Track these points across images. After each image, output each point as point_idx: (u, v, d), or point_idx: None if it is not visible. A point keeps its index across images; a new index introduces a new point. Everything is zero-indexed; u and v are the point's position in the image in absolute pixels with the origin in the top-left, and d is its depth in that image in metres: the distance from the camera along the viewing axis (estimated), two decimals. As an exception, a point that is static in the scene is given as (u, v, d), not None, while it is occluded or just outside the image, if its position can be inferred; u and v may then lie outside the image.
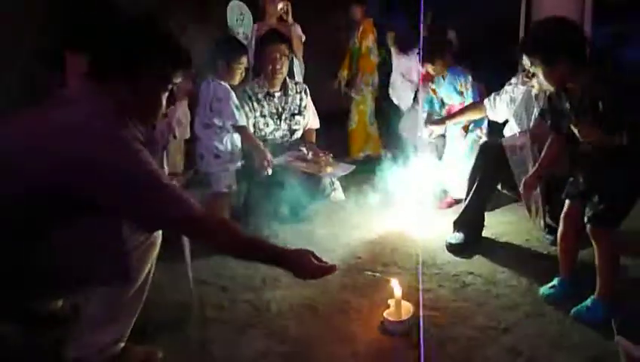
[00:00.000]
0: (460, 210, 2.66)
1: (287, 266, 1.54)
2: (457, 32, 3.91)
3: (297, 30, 3.64)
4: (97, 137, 1.37)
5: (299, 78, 3.62)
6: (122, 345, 1.63)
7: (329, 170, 2.86)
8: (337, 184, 3.01)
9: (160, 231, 1.72)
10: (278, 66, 2.88)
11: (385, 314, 1.87)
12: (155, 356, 1.70)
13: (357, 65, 4.18)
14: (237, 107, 2.68)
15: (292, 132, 3.07)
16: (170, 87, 1.54)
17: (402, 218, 3.01)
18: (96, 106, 1.42)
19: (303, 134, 3.12)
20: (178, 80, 1.56)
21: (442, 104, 3.26)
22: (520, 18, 4.21)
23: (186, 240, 1.98)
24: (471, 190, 2.61)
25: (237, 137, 2.73)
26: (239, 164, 2.75)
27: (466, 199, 2.64)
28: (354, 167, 3.06)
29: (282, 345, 1.80)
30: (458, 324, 1.89)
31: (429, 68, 3.17)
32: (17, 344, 1.73)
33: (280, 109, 3.00)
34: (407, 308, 1.89)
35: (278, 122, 3.00)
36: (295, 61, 3.62)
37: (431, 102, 3.30)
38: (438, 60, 3.12)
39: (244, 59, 2.73)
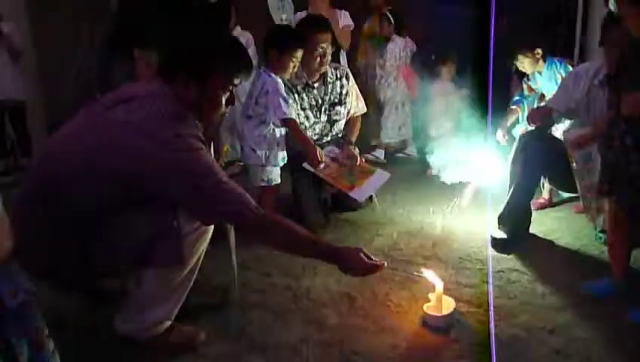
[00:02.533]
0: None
1: (340, 263, 1.61)
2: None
3: (346, 18, 3.56)
4: (156, 137, 1.45)
5: None
6: (169, 323, 1.69)
7: (363, 183, 2.68)
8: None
9: None
10: (322, 57, 2.69)
11: (425, 308, 1.84)
12: (197, 336, 1.75)
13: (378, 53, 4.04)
14: (285, 100, 2.51)
15: (332, 123, 2.90)
16: (230, 88, 1.60)
17: (446, 210, 2.96)
18: (160, 105, 1.51)
19: (347, 122, 2.96)
20: (238, 82, 1.62)
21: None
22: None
23: (230, 226, 2.01)
24: (512, 182, 2.52)
25: (280, 131, 2.58)
26: (281, 158, 2.63)
27: (508, 192, 2.55)
28: (388, 175, 2.86)
29: (321, 333, 1.80)
30: (502, 322, 1.84)
31: (525, 64, 3.01)
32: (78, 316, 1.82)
33: (320, 100, 2.83)
34: (448, 302, 1.85)
35: (318, 114, 2.84)
36: (341, 52, 3.57)
37: (521, 98, 3.17)
38: (530, 55, 2.96)
39: (299, 52, 2.53)
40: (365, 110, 3.03)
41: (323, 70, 2.76)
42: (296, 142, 2.58)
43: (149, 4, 2.17)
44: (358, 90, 2.95)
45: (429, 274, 1.87)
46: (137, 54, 2.16)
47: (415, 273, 2.03)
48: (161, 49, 1.69)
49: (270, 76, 2.51)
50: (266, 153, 2.57)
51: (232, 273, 1.98)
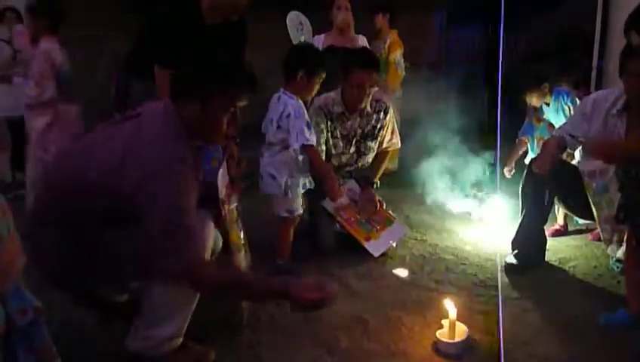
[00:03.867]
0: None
1: (293, 301, 1.50)
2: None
3: (363, 43, 3.61)
4: (139, 157, 1.49)
5: None
6: (179, 341, 1.69)
7: (379, 235, 2.59)
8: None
9: (218, 235, 1.79)
10: (364, 93, 2.55)
11: (438, 334, 1.82)
12: (208, 355, 1.74)
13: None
14: (308, 125, 2.33)
15: (360, 155, 2.77)
16: (232, 109, 1.63)
17: (459, 234, 2.94)
18: (158, 127, 1.55)
19: (375, 156, 2.82)
20: (242, 102, 1.65)
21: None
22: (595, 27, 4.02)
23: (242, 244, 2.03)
24: (524, 207, 2.50)
25: (302, 159, 2.36)
26: (302, 187, 2.41)
27: (520, 217, 2.53)
28: (405, 229, 2.80)
29: (332, 356, 1.79)
30: (517, 351, 1.80)
31: (533, 98, 3.04)
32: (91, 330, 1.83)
33: (352, 132, 2.70)
34: (461, 329, 1.82)
35: (348, 146, 2.71)
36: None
37: (529, 129, 3.16)
38: (537, 90, 3.01)
39: (324, 73, 2.38)
40: (399, 146, 2.89)
41: (362, 106, 2.64)
42: (315, 171, 2.40)
43: (167, 25, 2.22)
44: (395, 124, 2.82)
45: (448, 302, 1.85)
46: (157, 72, 2.20)
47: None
48: (171, 68, 1.73)
49: (292, 99, 2.32)
50: (287, 181, 2.35)
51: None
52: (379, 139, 2.76)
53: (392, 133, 2.80)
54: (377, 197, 2.73)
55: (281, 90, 2.36)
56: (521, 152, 3.19)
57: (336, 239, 2.70)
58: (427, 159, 3.43)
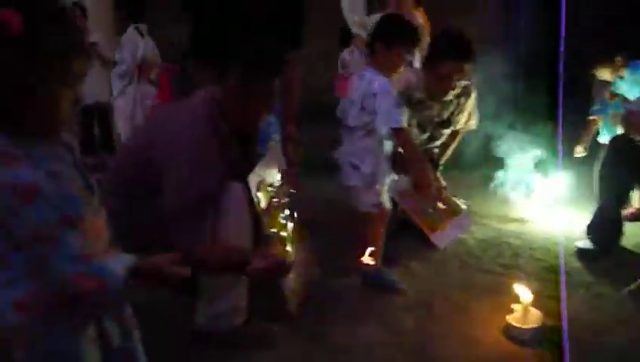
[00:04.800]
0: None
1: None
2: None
3: (419, 18, 3.47)
4: (171, 137, 1.57)
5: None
6: (242, 316, 1.71)
7: (445, 226, 2.25)
8: None
9: None
10: (451, 85, 2.34)
11: (509, 319, 1.75)
12: (271, 331, 1.76)
13: None
14: (397, 104, 2.06)
15: (430, 141, 2.57)
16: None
17: (526, 217, 2.82)
18: (191, 108, 1.63)
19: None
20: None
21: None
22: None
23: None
24: (602, 191, 2.36)
25: (388, 144, 2.11)
26: (389, 178, 2.13)
27: (597, 201, 2.39)
28: (470, 221, 2.47)
29: (398, 337, 1.76)
30: (595, 339, 1.71)
31: (605, 74, 2.83)
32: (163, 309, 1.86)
33: (429, 120, 2.49)
34: (535, 315, 1.74)
35: (421, 133, 2.49)
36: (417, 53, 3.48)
37: (603, 108, 2.95)
38: (610, 65, 2.79)
39: (409, 44, 2.09)
40: (475, 127, 2.66)
41: (445, 97, 2.42)
42: (406, 156, 2.12)
43: (222, 14, 2.22)
44: (474, 106, 2.57)
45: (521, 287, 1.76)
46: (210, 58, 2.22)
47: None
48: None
49: (378, 75, 2.04)
50: (372, 171, 2.07)
51: (308, 271, 1.97)
52: (454, 125, 2.56)
53: (470, 115, 2.58)
54: (443, 183, 2.60)
55: (364, 66, 2.15)
56: (592, 132, 3.00)
57: (398, 225, 2.58)
58: (486, 140, 3.30)
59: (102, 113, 4.22)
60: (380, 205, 2.07)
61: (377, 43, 2.06)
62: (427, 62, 2.37)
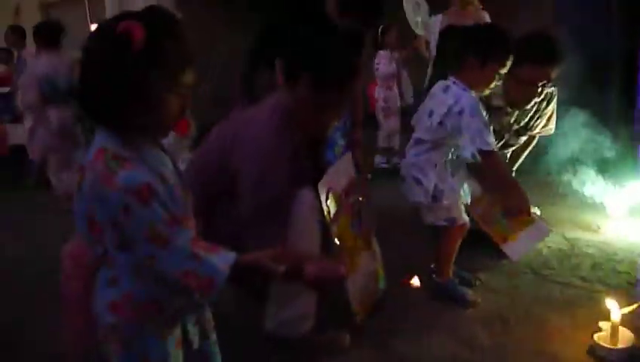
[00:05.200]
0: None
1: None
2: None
3: (486, 17, 3.35)
4: (245, 143, 1.58)
5: None
6: (311, 322, 1.70)
7: (517, 236, 2.08)
8: None
9: None
10: (534, 92, 2.20)
11: (596, 338, 1.63)
12: (343, 340, 1.74)
13: None
14: (486, 125, 1.85)
15: (505, 147, 2.44)
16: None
17: (600, 227, 2.64)
18: (263, 115, 1.62)
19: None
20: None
21: None
22: None
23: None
24: None
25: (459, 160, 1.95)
26: (461, 191, 1.99)
27: None
28: (549, 231, 2.18)
29: (471, 353, 1.69)
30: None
31: None
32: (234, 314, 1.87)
33: (507, 127, 2.35)
34: (625, 334, 1.61)
35: (497, 141, 2.21)
36: None
37: None
38: None
39: (507, 59, 1.86)
40: (552, 132, 2.51)
41: (527, 105, 2.30)
42: (498, 183, 1.95)
43: (290, 19, 2.23)
44: (554, 110, 2.42)
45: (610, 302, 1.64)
46: (278, 65, 2.23)
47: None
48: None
49: (465, 91, 1.87)
50: (436, 186, 1.91)
51: (376, 281, 1.93)
52: (531, 130, 2.42)
53: (548, 120, 2.43)
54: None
55: (451, 78, 1.93)
56: None
57: (471, 235, 2.49)
58: (555, 141, 3.12)
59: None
60: (452, 220, 1.94)
61: (469, 57, 1.86)
62: (501, 65, 2.23)
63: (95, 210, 0.92)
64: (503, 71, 1.88)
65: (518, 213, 1.88)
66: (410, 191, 1.97)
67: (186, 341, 1.10)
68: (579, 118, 3.17)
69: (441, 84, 1.96)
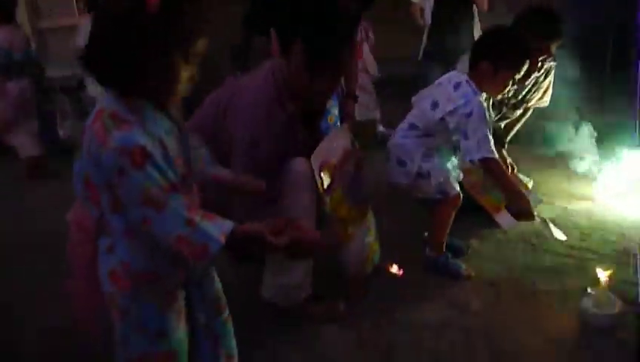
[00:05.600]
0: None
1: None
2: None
3: None
4: (240, 110, 1.59)
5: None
6: (308, 291, 1.73)
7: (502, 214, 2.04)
8: None
9: None
10: (533, 68, 2.15)
11: (584, 304, 1.68)
12: (337, 307, 1.77)
13: None
14: (490, 130, 1.86)
15: (500, 120, 2.44)
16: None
17: (591, 196, 2.68)
18: (256, 82, 1.62)
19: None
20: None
21: None
22: None
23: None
24: None
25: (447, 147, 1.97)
26: (451, 169, 1.98)
27: None
28: (540, 200, 2.30)
29: (464, 318, 1.73)
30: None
31: None
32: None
33: (504, 101, 2.32)
34: (612, 300, 1.66)
35: (493, 115, 2.25)
36: (476, 19, 3.31)
37: None
38: None
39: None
40: (547, 104, 2.52)
41: (527, 80, 2.28)
42: (499, 186, 1.91)
43: None
44: (550, 83, 2.45)
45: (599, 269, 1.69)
46: (273, 34, 2.18)
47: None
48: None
49: (477, 94, 1.84)
50: (420, 166, 1.91)
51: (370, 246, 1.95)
52: (527, 103, 2.42)
53: (545, 92, 2.43)
54: (509, 160, 2.50)
55: (465, 76, 1.89)
56: None
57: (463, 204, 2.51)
58: (546, 112, 3.13)
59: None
60: (445, 193, 1.94)
61: (483, 62, 1.84)
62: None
63: (91, 171, 0.92)
64: (518, 76, 1.86)
65: (521, 217, 1.86)
66: (391, 171, 1.99)
67: (193, 318, 1.11)
68: (573, 90, 3.18)
69: (453, 77, 1.91)
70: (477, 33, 3.35)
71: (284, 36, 1.59)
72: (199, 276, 1.11)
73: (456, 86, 1.86)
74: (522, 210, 1.83)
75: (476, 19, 3.33)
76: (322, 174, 1.66)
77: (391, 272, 1.92)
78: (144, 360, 1.04)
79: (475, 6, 3.25)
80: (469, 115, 1.79)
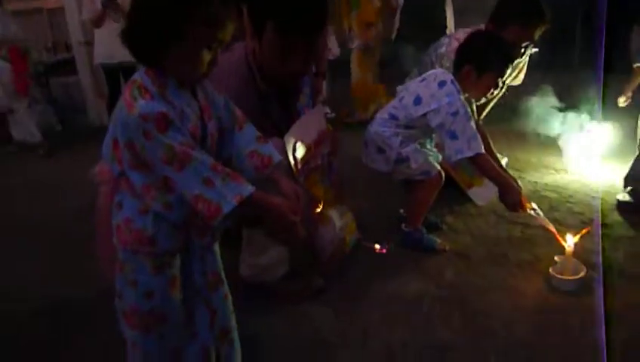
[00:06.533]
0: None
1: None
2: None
3: None
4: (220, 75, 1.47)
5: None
6: (284, 268, 1.75)
7: (482, 182, 2.21)
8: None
9: None
10: (516, 53, 2.17)
11: (551, 271, 1.75)
12: (317, 282, 1.81)
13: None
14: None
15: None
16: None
17: (559, 170, 2.78)
18: (228, 59, 1.59)
19: None
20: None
21: None
22: None
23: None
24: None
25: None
26: (428, 150, 2.06)
27: (636, 152, 2.34)
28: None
29: (439, 289, 1.79)
30: (638, 291, 1.70)
31: None
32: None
33: None
34: (578, 266, 1.74)
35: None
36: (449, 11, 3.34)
37: None
38: None
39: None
40: (520, 82, 2.58)
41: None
42: (491, 177, 1.92)
43: None
44: (525, 63, 2.48)
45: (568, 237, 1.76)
46: (245, 14, 2.17)
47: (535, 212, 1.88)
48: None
49: (459, 93, 1.86)
50: (399, 152, 1.95)
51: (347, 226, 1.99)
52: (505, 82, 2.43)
53: (520, 71, 2.47)
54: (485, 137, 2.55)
55: (450, 75, 1.90)
56: (638, 81, 2.88)
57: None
58: (518, 91, 3.20)
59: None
60: (427, 173, 1.96)
61: (467, 65, 1.86)
62: (492, 25, 2.21)
63: (118, 131, 1.00)
64: (501, 81, 1.88)
65: (513, 208, 1.87)
66: (369, 157, 2.02)
67: (192, 288, 1.15)
68: (547, 67, 3.26)
69: (439, 75, 1.92)
70: (450, 14, 3.39)
71: (254, 15, 1.58)
72: (200, 248, 1.15)
73: (441, 84, 1.87)
74: (514, 200, 1.85)
75: (449, 0, 3.36)
76: (296, 154, 1.67)
77: (374, 249, 1.95)
78: (135, 314, 1.11)
79: None
80: (455, 114, 1.81)
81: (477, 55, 1.85)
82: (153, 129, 0.94)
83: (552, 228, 1.88)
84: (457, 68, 1.91)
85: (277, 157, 1.18)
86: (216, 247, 1.21)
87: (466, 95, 1.91)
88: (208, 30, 0.96)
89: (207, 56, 0.99)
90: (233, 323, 1.26)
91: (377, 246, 1.95)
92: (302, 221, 1.16)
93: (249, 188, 1.01)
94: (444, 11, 3.34)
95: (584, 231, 1.83)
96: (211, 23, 0.96)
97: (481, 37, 1.97)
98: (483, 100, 2.36)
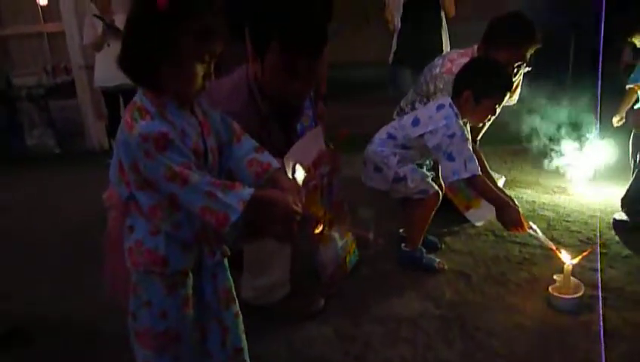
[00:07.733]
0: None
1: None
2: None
3: None
4: (221, 100, 1.52)
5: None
6: (286, 289, 1.76)
7: (480, 203, 2.20)
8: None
9: None
10: (510, 73, 2.17)
11: (551, 289, 1.76)
12: (317, 303, 1.81)
13: None
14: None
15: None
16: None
17: (556, 190, 2.81)
18: (229, 83, 1.63)
19: None
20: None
21: None
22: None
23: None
24: (637, 164, 2.33)
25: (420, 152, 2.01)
26: (424, 169, 2.08)
27: (632, 173, 2.37)
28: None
29: (439, 309, 1.79)
30: (637, 309, 1.71)
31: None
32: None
33: None
34: (577, 285, 1.75)
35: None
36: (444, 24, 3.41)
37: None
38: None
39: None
40: (515, 102, 2.59)
41: None
42: (488, 198, 1.93)
43: None
44: (520, 83, 2.50)
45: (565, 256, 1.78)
46: (248, 35, 2.21)
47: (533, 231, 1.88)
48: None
49: (457, 118, 1.89)
50: (397, 172, 1.97)
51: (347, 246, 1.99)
52: None
53: (514, 91, 2.49)
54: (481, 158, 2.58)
55: (449, 99, 1.94)
56: (632, 101, 2.93)
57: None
58: (515, 111, 3.25)
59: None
60: (424, 191, 1.97)
61: (466, 91, 1.88)
62: (483, 46, 2.26)
63: (121, 153, 1.02)
64: (499, 107, 1.92)
65: (512, 227, 1.87)
66: (367, 176, 2.05)
67: (204, 307, 1.16)
68: (542, 88, 3.31)
69: (440, 100, 1.97)
70: (445, 38, 3.46)
71: (256, 36, 1.61)
72: (212, 265, 1.16)
73: (440, 107, 1.92)
74: (512, 220, 1.84)
75: (444, 24, 3.43)
76: (296, 176, 1.68)
77: (367, 237, 1.93)
78: (148, 335, 1.11)
79: (443, 11, 3.36)
80: (452, 136, 1.85)
81: (476, 81, 1.88)
82: (152, 148, 0.96)
83: (552, 245, 1.89)
84: (456, 93, 1.94)
85: (275, 164, 1.21)
86: (226, 263, 1.22)
87: (464, 120, 1.94)
88: (200, 43, 0.97)
89: (201, 70, 1.00)
90: (244, 342, 1.26)
91: (371, 235, 1.93)
92: (302, 210, 1.17)
93: (248, 191, 1.03)
94: (440, 34, 3.41)
95: (586, 253, 1.84)
96: (203, 36, 0.97)
97: (481, 63, 2.01)
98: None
